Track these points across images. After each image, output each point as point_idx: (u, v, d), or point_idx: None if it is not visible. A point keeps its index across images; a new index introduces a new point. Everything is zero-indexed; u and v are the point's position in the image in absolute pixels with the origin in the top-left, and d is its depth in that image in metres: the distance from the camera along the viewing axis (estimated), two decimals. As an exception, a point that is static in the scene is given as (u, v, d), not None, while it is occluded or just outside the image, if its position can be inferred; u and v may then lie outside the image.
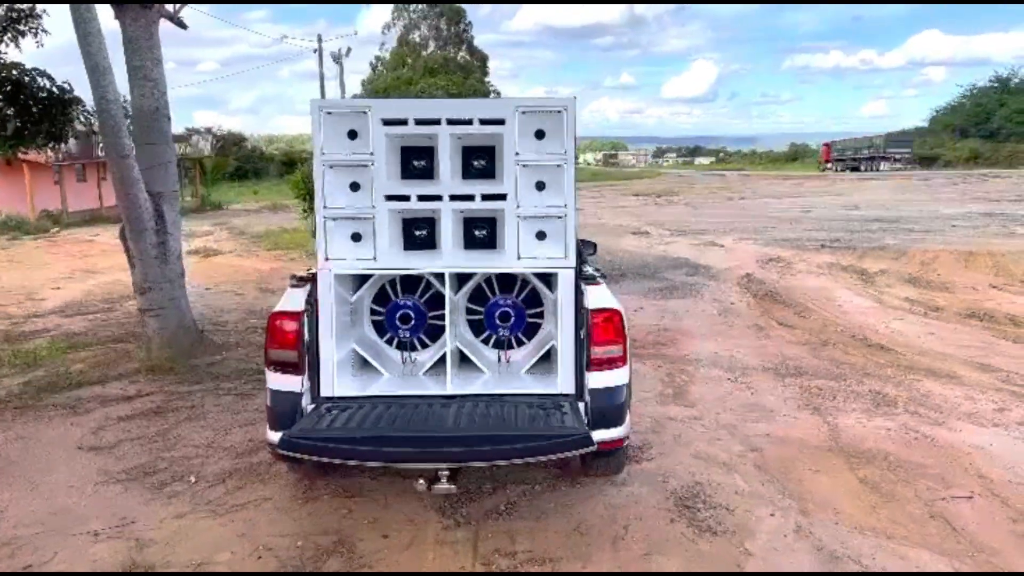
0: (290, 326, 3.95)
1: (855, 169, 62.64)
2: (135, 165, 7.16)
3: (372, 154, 4.01)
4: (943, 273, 12.69)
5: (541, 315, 4.70)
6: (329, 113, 4.00)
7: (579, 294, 4.06)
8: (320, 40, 34.95)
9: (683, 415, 5.87)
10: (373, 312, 4.70)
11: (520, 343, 4.72)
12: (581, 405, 3.98)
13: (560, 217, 4.08)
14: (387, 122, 4.03)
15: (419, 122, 4.04)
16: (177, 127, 41.09)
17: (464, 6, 62.65)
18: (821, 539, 3.99)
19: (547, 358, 4.51)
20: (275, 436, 3.85)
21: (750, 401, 6.20)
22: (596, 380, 3.93)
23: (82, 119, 8.18)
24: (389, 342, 4.71)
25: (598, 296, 3.99)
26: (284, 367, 3.97)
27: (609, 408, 3.92)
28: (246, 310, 10.77)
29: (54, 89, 7.87)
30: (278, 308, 4.02)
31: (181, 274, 7.74)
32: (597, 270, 4.64)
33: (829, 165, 70.15)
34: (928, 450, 5.15)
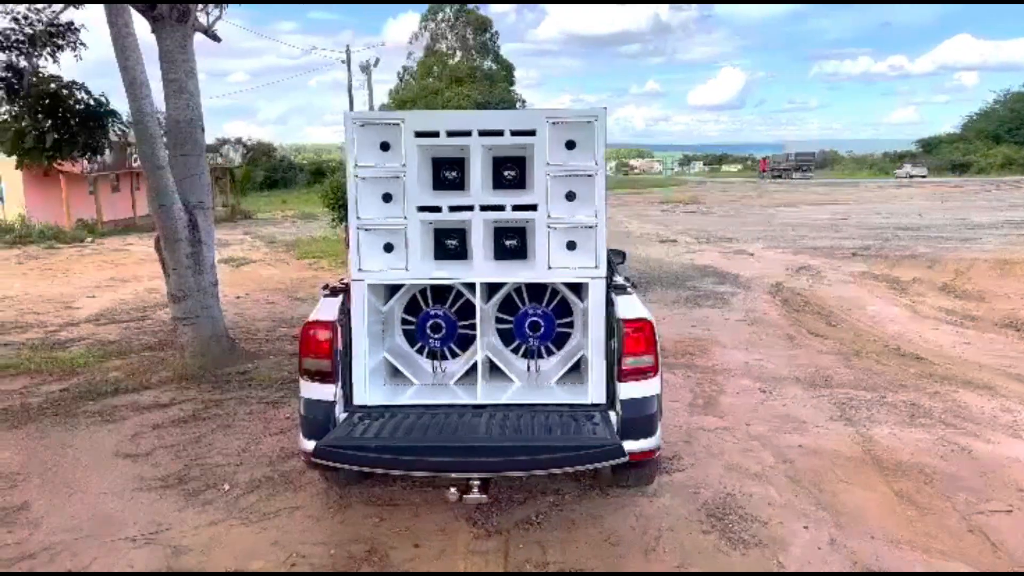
0: (324, 335, 3.99)
1: (778, 177, 77.99)
2: (170, 176, 7.28)
3: (404, 166, 4.05)
4: (978, 282, 12.49)
5: (571, 325, 4.70)
6: (363, 125, 4.05)
7: (610, 304, 4.06)
8: (348, 51, 35.31)
9: (714, 425, 5.84)
10: (404, 322, 4.73)
11: (550, 353, 4.72)
12: (612, 415, 3.97)
13: (590, 227, 4.08)
14: (419, 134, 4.07)
15: (451, 134, 4.07)
16: (208, 138, 41.68)
17: (490, 16, 62.98)
18: (856, 553, 3.94)
19: (577, 368, 4.52)
20: (309, 445, 3.89)
21: (782, 412, 6.14)
22: (627, 390, 3.92)
23: (117, 131, 8.33)
24: (420, 351, 4.74)
25: (629, 306, 3.99)
26: (318, 376, 4.01)
27: (640, 419, 3.91)
28: (277, 319, 10.88)
29: (91, 102, 8.03)
30: (312, 318, 4.07)
31: (214, 283, 7.84)
32: (627, 279, 4.64)
33: (765, 174, 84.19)
34: (965, 462, 5.07)
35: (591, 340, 4.09)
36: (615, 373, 3.97)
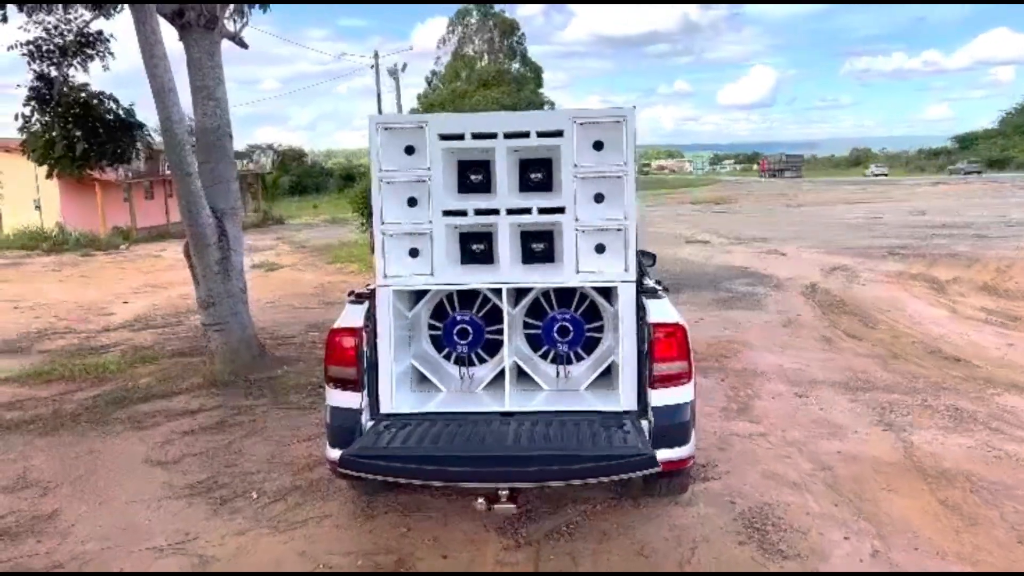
0: (349, 342, 3.93)
1: (773, 176, 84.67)
2: (199, 183, 7.31)
3: (429, 169, 3.99)
4: (1020, 281, 12.15)
5: (600, 329, 4.60)
6: (387, 129, 3.99)
7: (640, 308, 3.96)
8: (376, 56, 35.48)
9: (749, 431, 5.69)
10: (431, 327, 4.67)
11: (579, 358, 4.63)
12: (644, 423, 3.87)
13: (619, 230, 3.98)
14: (444, 137, 4.00)
15: (476, 136, 4.00)
16: (239, 144, 42.20)
17: (517, 19, 63.00)
18: (900, 565, 3.79)
19: (607, 374, 4.41)
20: (335, 453, 3.84)
21: (819, 416, 5.98)
22: (659, 397, 3.81)
23: (144, 141, 8.39)
24: (447, 357, 4.67)
25: (660, 310, 3.88)
26: (344, 384, 3.96)
27: (673, 427, 3.80)
28: (307, 324, 10.89)
29: (120, 112, 8.09)
30: (337, 324, 4.01)
31: (243, 289, 7.86)
32: (658, 283, 4.52)
33: (764, 173, 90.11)
34: (1012, 470, 4.88)
35: (621, 346, 3.99)
36: (647, 379, 3.87)
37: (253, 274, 17.89)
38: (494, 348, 4.56)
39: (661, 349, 3.79)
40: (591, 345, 4.58)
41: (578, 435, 3.68)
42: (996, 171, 70.89)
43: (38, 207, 29.39)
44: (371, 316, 4.05)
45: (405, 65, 36.25)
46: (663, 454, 3.70)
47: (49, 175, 8.09)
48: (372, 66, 35.14)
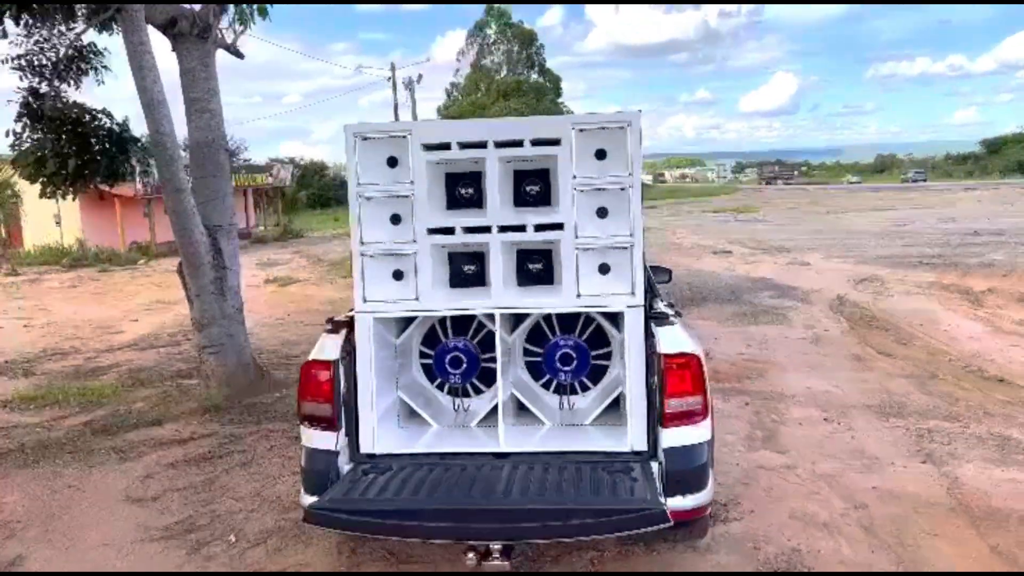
0: (324, 376, 3.54)
1: (769, 183, 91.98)
2: (191, 199, 6.99)
3: (413, 183, 3.60)
4: (1062, 292, 11.54)
5: (608, 356, 4.18)
6: (365, 139, 3.60)
7: (649, 336, 3.52)
8: (393, 68, 35.34)
9: (775, 463, 5.23)
10: (422, 355, 4.27)
11: (584, 388, 4.21)
12: (655, 466, 3.43)
13: (625, 248, 3.56)
14: (429, 147, 3.61)
15: (464, 146, 3.60)
16: (261, 158, 42.20)
17: (536, 28, 62.77)
18: (950, 628, 3.32)
19: (616, 406, 3.99)
20: (308, 500, 3.46)
21: (851, 446, 5.49)
22: (671, 437, 3.38)
23: (139, 158, 8.09)
24: (440, 387, 4.27)
25: (671, 338, 3.44)
26: (319, 422, 3.57)
27: (687, 471, 3.36)
28: (313, 342, 10.51)
29: (114, 127, 7.81)
30: (311, 357, 3.63)
31: (239, 309, 7.52)
32: (670, 305, 4.09)
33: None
34: (1071, 510, 4.38)
35: (629, 378, 3.56)
36: (657, 416, 3.43)
37: (267, 289, 17.76)
38: (491, 376, 4.16)
39: (673, 383, 3.36)
40: (598, 374, 4.16)
41: (579, 483, 3.25)
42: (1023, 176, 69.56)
43: (58, 223, 29.45)
44: (350, 347, 3.66)
45: (420, 76, 36.03)
46: (676, 502, 3.26)
47: (42, 194, 7.79)
48: (388, 78, 35.01)
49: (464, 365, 3.94)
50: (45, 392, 8.06)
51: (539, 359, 4.10)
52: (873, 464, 5.15)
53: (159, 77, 6.74)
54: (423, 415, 4.00)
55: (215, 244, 7.19)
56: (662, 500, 3.10)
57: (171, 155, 6.81)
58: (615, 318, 3.95)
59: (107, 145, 7.73)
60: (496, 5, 62.00)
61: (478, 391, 4.25)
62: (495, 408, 3.95)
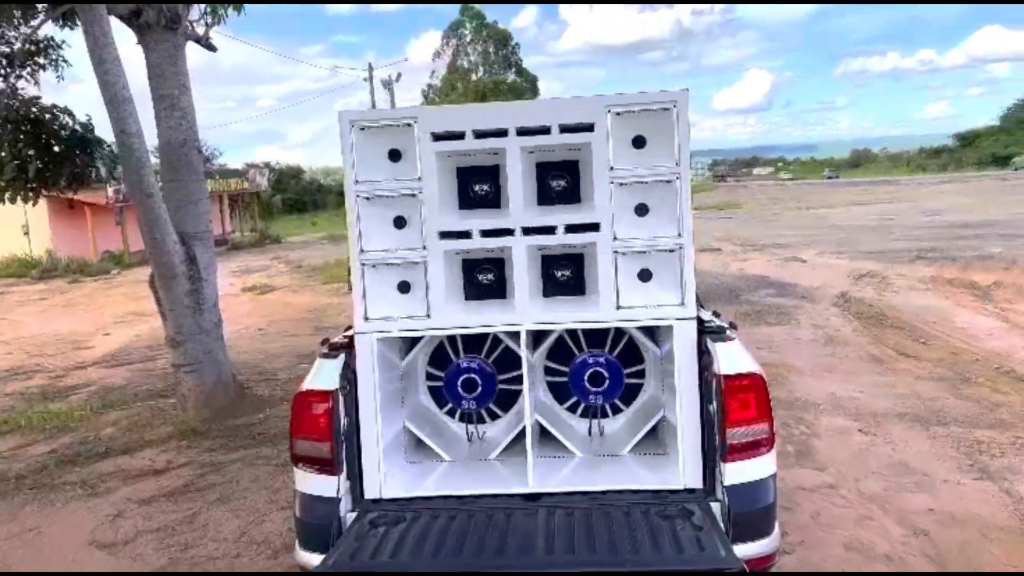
0: (321, 409, 2.99)
1: (721, 180, 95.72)
2: (162, 204, 6.40)
3: (421, 179, 3.06)
4: (1071, 284, 11.21)
5: (641, 374, 3.67)
6: (363, 128, 3.06)
7: (704, 353, 3.01)
8: (371, 68, 34.67)
9: (815, 482, 4.75)
10: (429, 376, 3.74)
11: (616, 409, 3.69)
12: (715, 506, 2.92)
13: (672, 251, 3.05)
14: (438, 136, 3.08)
15: (480, 135, 3.07)
16: (237, 162, 41.33)
17: (511, 28, 62.31)
18: None
19: (654, 433, 3.47)
20: (306, 558, 2.92)
21: (895, 460, 5.03)
22: (736, 473, 2.87)
23: (105, 160, 7.49)
24: (451, 413, 3.74)
25: (731, 356, 2.93)
26: (315, 464, 3.02)
27: (754, 513, 2.85)
28: (297, 354, 9.94)
29: (76, 127, 7.19)
30: (305, 386, 3.08)
31: (218, 323, 6.93)
32: (716, 314, 3.60)
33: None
34: None
35: (680, 403, 3.05)
36: (716, 448, 2.92)
37: (245, 297, 17.09)
38: (509, 399, 3.64)
39: (736, 409, 2.85)
40: (630, 393, 3.65)
41: (633, 533, 2.72)
42: (998, 168, 70.02)
43: (26, 233, 28.52)
44: (350, 373, 3.11)
45: (399, 75, 35.38)
46: (742, 550, 2.76)
47: (0, 199, 7.18)
48: (366, 79, 34.34)
49: (479, 388, 3.40)
50: (6, 417, 7.43)
51: (563, 379, 3.59)
52: (923, 481, 4.68)
53: (123, 72, 6.14)
54: (433, 447, 3.46)
55: (189, 253, 6.60)
56: (736, 554, 2.58)
57: (139, 157, 6.21)
58: (652, 330, 3.45)
59: (70, 147, 7.11)
60: (472, 5, 61.49)
61: (494, 416, 3.72)
62: (515, 435, 3.43)
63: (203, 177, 6.99)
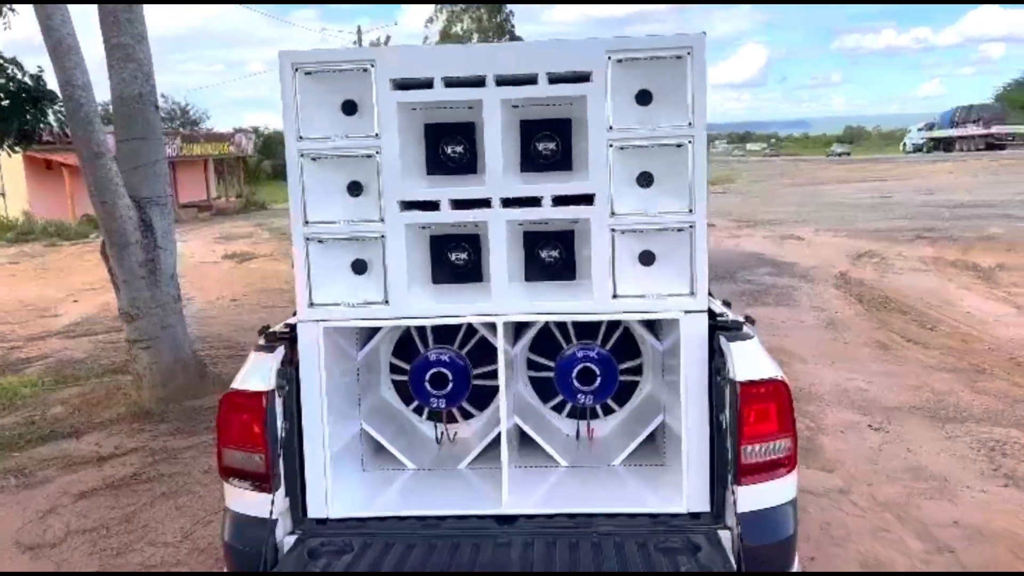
0: (251, 414, 2.49)
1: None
2: (113, 165, 5.83)
3: (379, 136, 2.52)
4: (1079, 268, 10.79)
5: (638, 369, 3.18)
6: (309, 73, 2.52)
7: (716, 353, 2.51)
8: (360, 31, 33.77)
9: (823, 486, 4.30)
10: (393, 368, 3.24)
11: (607, 410, 3.21)
12: (724, 535, 2.44)
13: (680, 229, 2.54)
14: (401, 85, 2.54)
15: (451, 83, 2.53)
16: (226, 126, 40.48)
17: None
18: None
19: (651, 441, 2.99)
20: (233, 590, 2.44)
21: (910, 462, 4.59)
22: (751, 497, 2.39)
23: (59, 116, 6.89)
24: (418, 410, 3.25)
25: (750, 359, 2.44)
26: (247, 478, 2.53)
27: (772, 547, 2.38)
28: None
29: (25, 80, 6.58)
30: (235, 385, 2.58)
31: (176, 297, 6.40)
32: (726, 304, 3.11)
33: None
34: None
35: (686, 412, 2.56)
36: (727, 466, 2.44)
37: (224, 265, 16.54)
38: (485, 395, 3.15)
39: (754, 421, 2.37)
40: (625, 392, 3.16)
41: (626, 568, 2.25)
42: (990, 149, 69.67)
43: (2, 194, 27.76)
44: (289, 370, 2.59)
45: (388, 38, 34.44)
46: (757, 589, 2.29)
47: (-58, 158, 6.60)
48: (355, 42, 33.43)
49: (451, 384, 2.90)
50: (-50, 393, 6.90)
51: (547, 374, 3.11)
52: (943, 488, 4.24)
53: (69, 16, 5.56)
54: (395, 452, 2.97)
55: (144, 219, 6.04)
56: None
57: (86, 112, 5.64)
58: (652, 321, 2.95)
59: (18, 101, 6.50)
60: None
61: (467, 414, 3.24)
62: (491, 443, 2.95)
63: (161, 136, 6.41)
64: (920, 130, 56.76)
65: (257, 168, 41.97)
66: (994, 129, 49.07)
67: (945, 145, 50.88)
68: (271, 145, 54.82)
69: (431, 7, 64.18)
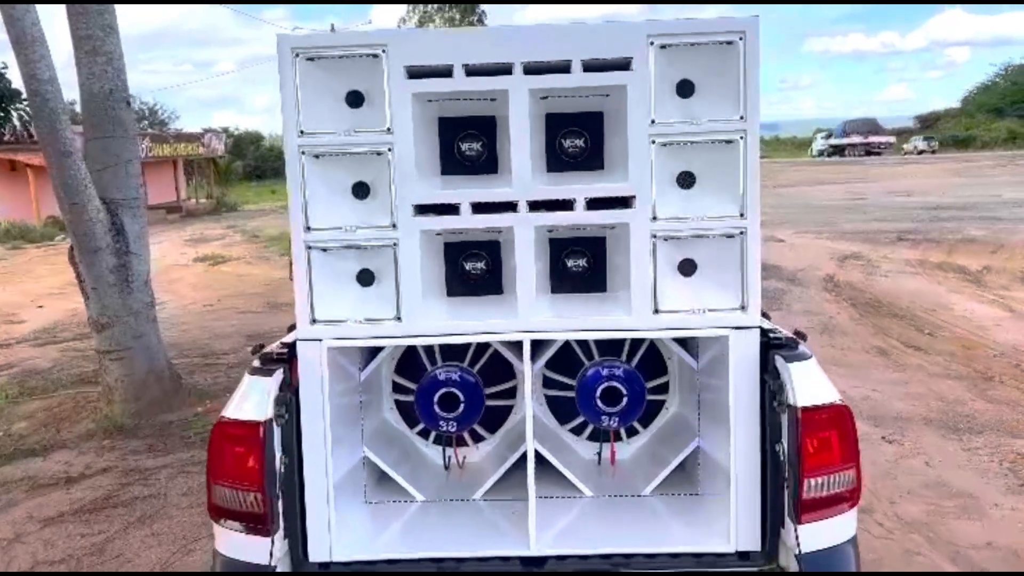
0: (247, 446, 2.19)
1: None
2: (82, 165, 5.47)
3: (391, 131, 2.23)
4: (1067, 271, 10.76)
5: (664, 387, 2.93)
6: (312, 59, 2.23)
7: (770, 375, 2.25)
8: (333, 29, 33.25)
9: (844, 505, 4.06)
10: (396, 387, 2.95)
11: (631, 431, 2.95)
12: (778, 577, 2.19)
13: (730, 236, 2.28)
14: (416, 73, 2.26)
15: (473, 72, 2.25)
16: (195, 127, 39.77)
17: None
18: None
19: (682, 468, 2.73)
20: (226, 648, 2.14)
21: (931, 477, 4.38)
22: (812, 536, 2.14)
23: (23, 114, 6.48)
24: (423, 433, 2.97)
25: (810, 381, 2.18)
26: (241, 520, 2.22)
27: None
28: (246, 334, 9.06)
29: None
30: (228, 414, 2.27)
31: (150, 304, 6.04)
32: (765, 315, 2.85)
33: None
34: None
35: (735, 440, 2.29)
36: (784, 502, 2.19)
37: (196, 268, 16.08)
38: (496, 416, 2.88)
39: (816, 451, 2.12)
40: (649, 412, 2.90)
41: None
42: (958, 151, 70.64)
43: (-39, 195, 26.91)
44: (288, 396, 2.29)
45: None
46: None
47: None
48: (329, 42, 32.96)
49: (462, 406, 2.62)
50: (-96, 407, 6.48)
51: (566, 392, 2.84)
52: (971, 505, 4.04)
53: (33, 7, 5.18)
54: (400, 481, 2.68)
55: (115, 222, 5.68)
56: None
57: (52, 108, 5.26)
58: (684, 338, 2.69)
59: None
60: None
61: (477, 437, 2.96)
62: (509, 469, 2.67)
63: (134, 134, 6.05)
64: (825, 138, 63.98)
65: (228, 169, 41.22)
66: (871, 139, 57.85)
67: (840, 151, 58.64)
68: (241, 146, 54.17)
69: (403, 7, 63.84)
